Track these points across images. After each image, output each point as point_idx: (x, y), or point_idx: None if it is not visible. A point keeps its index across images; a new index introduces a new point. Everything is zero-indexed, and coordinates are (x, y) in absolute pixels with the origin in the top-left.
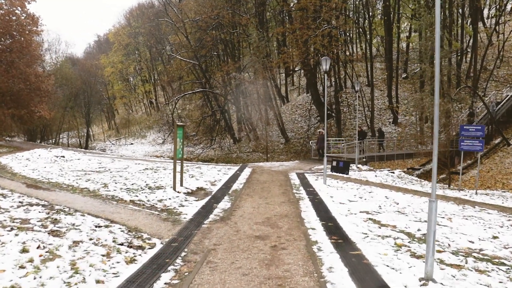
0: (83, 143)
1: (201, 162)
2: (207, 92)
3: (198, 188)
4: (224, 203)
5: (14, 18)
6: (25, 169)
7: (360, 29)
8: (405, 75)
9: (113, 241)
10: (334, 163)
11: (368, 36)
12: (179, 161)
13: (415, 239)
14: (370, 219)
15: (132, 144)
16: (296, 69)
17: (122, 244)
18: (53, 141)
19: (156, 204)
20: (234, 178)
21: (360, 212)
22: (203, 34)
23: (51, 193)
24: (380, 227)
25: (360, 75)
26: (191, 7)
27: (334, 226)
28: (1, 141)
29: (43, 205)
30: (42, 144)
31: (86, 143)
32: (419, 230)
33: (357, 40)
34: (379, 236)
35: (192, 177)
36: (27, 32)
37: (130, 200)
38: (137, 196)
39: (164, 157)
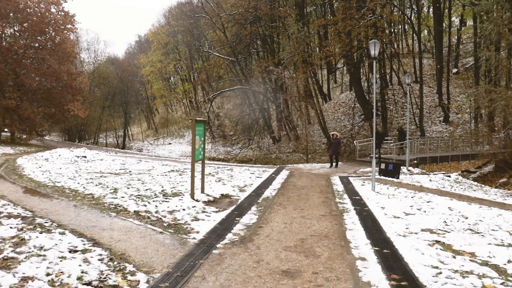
0: (121, 143)
1: (235, 164)
2: (245, 90)
3: (222, 195)
4: (249, 216)
5: (48, 15)
6: (36, 170)
7: (408, 21)
8: (455, 70)
9: (78, 279)
10: (383, 166)
11: (416, 29)
12: (200, 163)
13: (510, 278)
14: (437, 241)
15: (170, 144)
16: (339, 66)
17: (89, 284)
18: (92, 141)
19: (165, 217)
20: (267, 182)
21: (422, 230)
22: (240, 29)
23: (45, 201)
24: (454, 256)
25: (407, 71)
26: (227, 0)
27: (391, 255)
28: (31, 140)
29: (22, 217)
30: (77, 144)
31: (123, 143)
32: (510, 262)
33: (403, 35)
34: (457, 272)
35: (219, 181)
36: (61, 29)
37: (135, 211)
38: (145, 205)
39: None
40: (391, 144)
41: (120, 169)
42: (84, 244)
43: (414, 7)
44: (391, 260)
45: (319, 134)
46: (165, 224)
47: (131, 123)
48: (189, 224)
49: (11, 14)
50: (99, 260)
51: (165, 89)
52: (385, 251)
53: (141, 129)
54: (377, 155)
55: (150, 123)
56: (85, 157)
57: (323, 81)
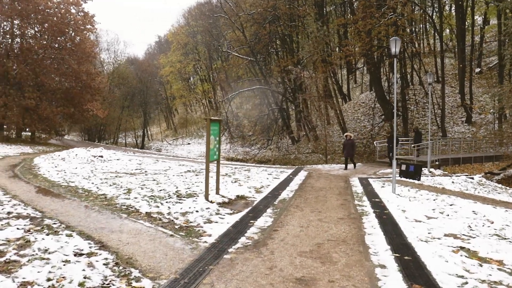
0: (140, 143)
1: (253, 164)
2: (264, 90)
3: (238, 196)
4: (265, 219)
5: (68, 16)
6: (51, 170)
7: (429, 19)
8: (478, 69)
9: (80, 285)
10: (403, 167)
11: (438, 27)
12: (215, 164)
13: None
14: (461, 248)
15: (189, 144)
16: (359, 66)
17: None
18: (112, 141)
19: (177, 218)
20: (285, 183)
21: (445, 235)
22: (259, 28)
23: (57, 201)
24: (480, 265)
25: (428, 71)
26: (246, 0)
27: (413, 262)
28: (50, 139)
29: (31, 218)
30: (97, 144)
31: (142, 142)
32: None
33: (424, 34)
34: (484, 282)
35: (235, 182)
36: (81, 30)
37: (147, 213)
38: (158, 206)
39: None
40: (412, 145)
41: (136, 169)
42: (90, 247)
43: (435, 5)
44: (413, 268)
45: (338, 134)
46: (176, 227)
47: (150, 123)
48: (202, 227)
49: (32, 15)
50: (104, 264)
51: (184, 89)
52: (406, 258)
53: (160, 129)
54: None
55: (169, 123)
56: (101, 156)
57: (343, 81)
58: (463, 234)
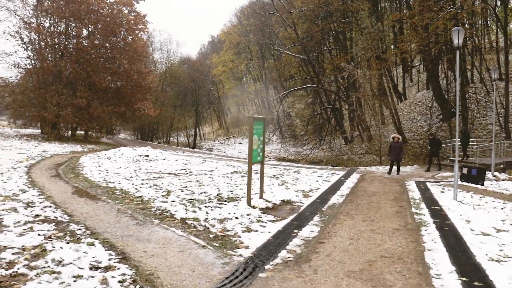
0: (192, 142)
1: (304, 165)
2: (316, 88)
3: (283, 201)
4: (310, 228)
5: (121, 16)
6: (94, 169)
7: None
8: None
9: None
10: (465, 171)
11: (502, 21)
12: (258, 166)
13: None
14: None
15: (240, 143)
16: (415, 64)
17: None
18: (164, 140)
19: (213, 226)
20: (335, 187)
21: None
22: (311, 25)
23: (90, 204)
24: None
25: (489, 68)
26: None
27: None
28: (102, 138)
29: (57, 223)
30: (149, 143)
31: (194, 142)
32: None
33: (485, 29)
34: None
35: (282, 184)
36: (133, 29)
37: (181, 219)
38: (195, 211)
39: (269, 158)
40: (474, 147)
41: (181, 169)
42: (110, 260)
43: None
44: None
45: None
46: (211, 236)
47: (202, 122)
48: (239, 237)
49: (85, 16)
50: (119, 282)
51: (237, 88)
52: (476, 284)
53: (212, 129)
54: (436, 162)
55: (221, 122)
56: (147, 156)
57: (398, 80)
58: None
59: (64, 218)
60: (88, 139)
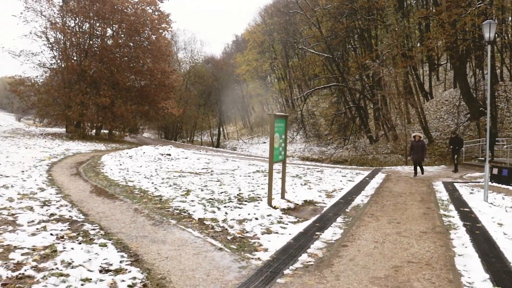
0: (215, 141)
1: (328, 165)
2: (341, 87)
3: (305, 201)
4: (333, 230)
5: (144, 15)
6: (115, 168)
7: None
8: None
9: None
10: (495, 171)
11: None
12: (280, 165)
13: None
14: None
15: (264, 143)
16: (442, 62)
17: None
18: (188, 139)
19: (232, 227)
20: (360, 187)
21: None
22: (335, 23)
23: (107, 203)
24: None
25: None
26: None
27: None
28: (125, 137)
29: (71, 222)
30: (173, 142)
31: (218, 141)
32: None
33: None
34: None
35: (304, 184)
36: (157, 28)
37: (199, 219)
38: (214, 212)
39: (293, 157)
40: (504, 146)
41: (203, 169)
42: (121, 262)
43: None
44: None
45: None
46: (229, 237)
47: (227, 122)
48: (258, 239)
49: (109, 15)
50: (129, 286)
51: (261, 87)
52: None
53: (236, 128)
54: (454, 162)
55: (245, 122)
56: (169, 155)
57: (424, 78)
58: None
59: (79, 218)
60: (112, 138)
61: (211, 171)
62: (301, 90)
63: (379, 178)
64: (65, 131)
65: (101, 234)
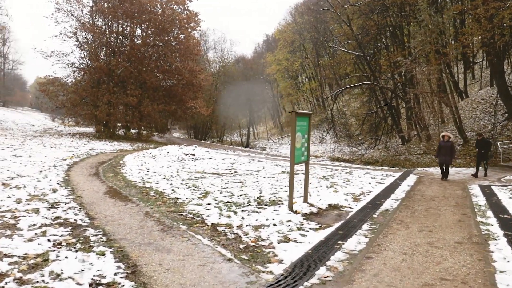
0: (245, 141)
1: (357, 165)
2: (372, 86)
3: (330, 206)
4: (357, 239)
5: (173, 14)
6: (135, 168)
7: None
8: None
9: None
10: None
11: None
12: (302, 166)
13: None
14: None
15: None
16: (477, 60)
17: None
18: (218, 139)
19: (246, 234)
20: (390, 190)
21: None
22: (366, 20)
23: (118, 205)
24: None
25: None
26: None
27: None
28: (152, 136)
29: (75, 227)
30: (202, 142)
31: (247, 141)
32: None
33: None
34: None
35: (331, 186)
36: (185, 28)
37: (212, 225)
38: (229, 216)
39: (322, 157)
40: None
41: (226, 169)
42: (116, 274)
43: None
44: None
45: (453, 134)
46: (241, 246)
47: (257, 121)
48: (273, 248)
49: (137, 15)
50: None
51: (291, 87)
52: None
53: (266, 128)
54: (484, 166)
55: (276, 121)
56: (193, 155)
57: (459, 77)
58: None
59: (84, 222)
60: (140, 138)
61: (235, 172)
62: (332, 90)
63: (410, 180)
64: (94, 130)
65: (102, 241)
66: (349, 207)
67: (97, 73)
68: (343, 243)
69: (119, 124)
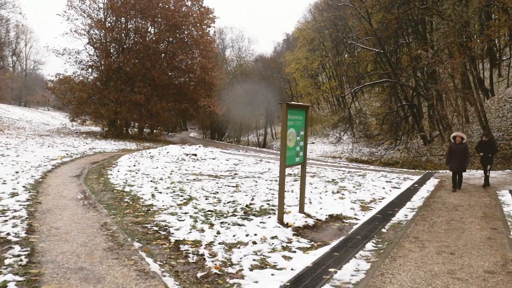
0: (262, 141)
1: (373, 167)
2: (393, 85)
3: (331, 216)
4: (355, 265)
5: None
6: (123, 170)
7: None
8: None
9: None
10: None
11: None
12: (299, 169)
13: None
14: None
15: (313, 143)
16: (504, 57)
17: None
18: (235, 139)
19: (214, 256)
20: (406, 196)
21: None
22: (385, 14)
23: (75, 214)
24: None
25: None
26: None
27: None
28: (161, 136)
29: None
30: (217, 142)
31: (264, 141)
32: None
33: None
34: None
35: (337, 192)
36: (200, 24)
37: (176, 241)
38: (204, 229)
39: (340, 158)
40: None
41: (227, 171)
42: None
43: None
44: None
45: (478, 134)
46: (199, 275)
47: (276, 121)
48: (241, 278)
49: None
50: None
51: (311, 86)
52: None
53: None
54: (487, 173)
55: None
56: (195, 155)
57: (485, 75)
58: None
59: (17, 237)
60: (151, 137)
61: (235, 174)
62: (352, 88)
63: (430, 184)
64: (100, 129)
65: (19, 265)
66: (355, 218)
67: (106, 70)
68: (336, 271)
69: (127, 123)
